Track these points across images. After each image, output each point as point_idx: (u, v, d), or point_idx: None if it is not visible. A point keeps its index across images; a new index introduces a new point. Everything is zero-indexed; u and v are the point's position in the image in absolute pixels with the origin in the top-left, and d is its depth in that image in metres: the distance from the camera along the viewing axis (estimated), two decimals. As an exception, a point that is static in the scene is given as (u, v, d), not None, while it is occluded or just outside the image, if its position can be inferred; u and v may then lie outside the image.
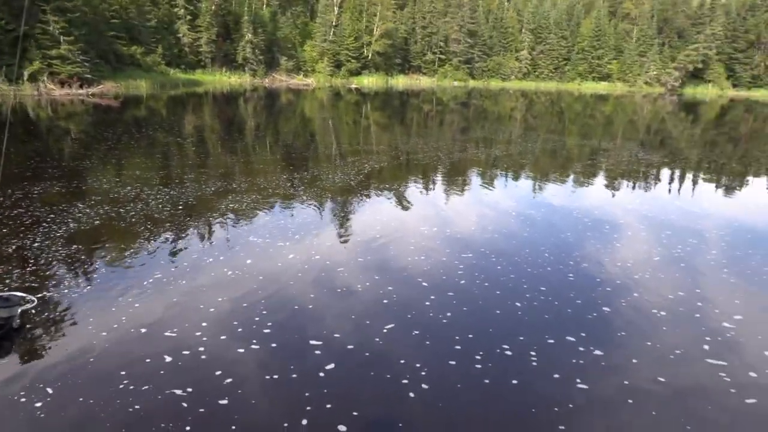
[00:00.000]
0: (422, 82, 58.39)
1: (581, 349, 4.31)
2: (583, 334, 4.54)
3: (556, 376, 3.93)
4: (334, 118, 24.28)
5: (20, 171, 10.30)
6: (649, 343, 4.45)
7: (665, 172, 12.89)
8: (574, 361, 4.14)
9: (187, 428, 3.27)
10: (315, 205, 8.56)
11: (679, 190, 11.04)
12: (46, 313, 4.64)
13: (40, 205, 8.01)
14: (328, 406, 3.50)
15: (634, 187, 11.01)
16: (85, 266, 5.77)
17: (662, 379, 3.93)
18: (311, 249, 6.48)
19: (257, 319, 4.65)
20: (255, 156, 13.35)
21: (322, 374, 3.86)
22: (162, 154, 13.04)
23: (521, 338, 4.45)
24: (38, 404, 3.45)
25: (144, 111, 23.87)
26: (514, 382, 3.84)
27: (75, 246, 6.30)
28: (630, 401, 3.66)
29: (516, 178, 11.61)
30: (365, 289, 5.35)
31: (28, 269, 5.57)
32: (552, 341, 4.42)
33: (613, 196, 10.17)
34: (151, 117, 21.50)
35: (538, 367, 4.04)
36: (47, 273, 5.51)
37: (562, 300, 5.23)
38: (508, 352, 4.22)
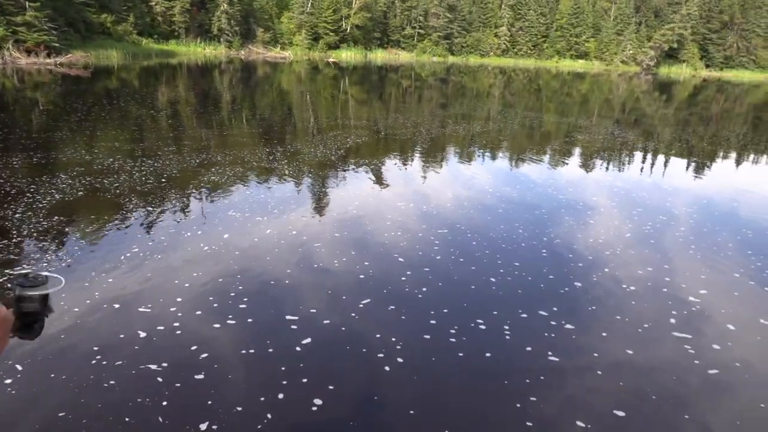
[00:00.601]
0: (401, 57, 57.88)
1: (553, 323, 4.42)
2: (555, 309, 4.64)
3: (528, 349, 4.03)
4: (312, 93, 23.97)
5: None
6: (618, 317, 4.58)
7: (638, 151, 13.10)
8: (546, 334, 4.24)
9: (164, 403, 3.26)
10: (293, 180, 8.49)
11: (651, 168, 11.24)
12: (15, 289, 4.54)
13: (21, 175, 7.86)
14: (304, 380, 3.53)
15: (608, 165, 11.18)
16: (64, 239, 5.68)
17: (630, 352, 4.06)
18: (288, 224, 6.46)
19: (233, 294, 4.63)
20: (233, 130, 13.14)
21: (298, 349, 3.88)
22: (138, 127, 12.73)
23: (495, 313, 4.53)
24: (8, 381, 3.41)
25: (115, 82, 23.22)
26: (488, 355, 3.92)
27: (56, 217, 6.21)
28: (599, 372, 3.78)
29: (493, 154, 11.67)
30: (341, 265, 5.37)
31: (12, 240, 5.48)
32: (525, 315, 4.51)
33: (588, 173, 10.32)
34: (122, 88, 20.92)
35: (511, 341, 4.13)
36: (25, 246, 5.41)
37: (535, 275, 5.32)
38: (482, 326, 4.30)
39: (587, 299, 4.89)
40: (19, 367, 3.54)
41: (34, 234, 5.72)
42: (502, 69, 51.19)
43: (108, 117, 13.74)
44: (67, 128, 11.82)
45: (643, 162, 11.82)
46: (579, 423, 3.25)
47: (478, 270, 5.39)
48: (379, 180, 8.93)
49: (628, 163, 11.55)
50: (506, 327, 4.31)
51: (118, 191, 7.40)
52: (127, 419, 3.12)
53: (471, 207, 7.53)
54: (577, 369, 3.83)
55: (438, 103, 22.69)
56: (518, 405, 3.39)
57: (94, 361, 3.63)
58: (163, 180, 8.06)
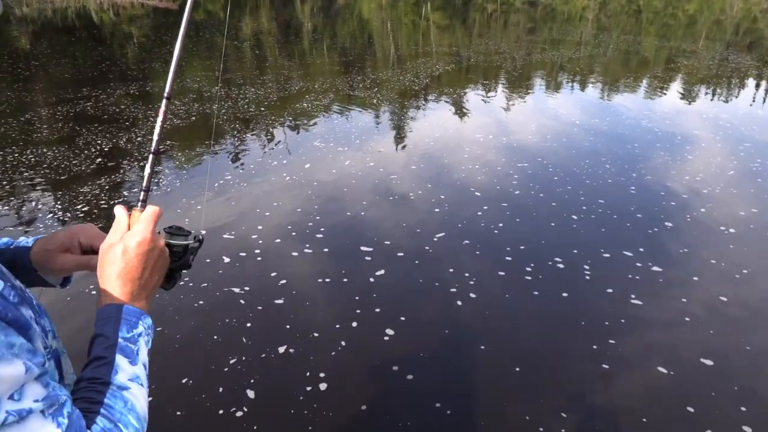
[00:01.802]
0: (487, -22, 54.30)
1: (638, 264, 4.18)
2: (642, 250, 4.38)
3: (610, 290, 3.85)
4: (394, 20, 23.25)
5: (100, 74, 10.68)
6: (713, 261, 4.25)
7: (751, 79, 11.73)
8: (629, 276, 4.03)
9: (248, 324, 3.45)
10: (375, 110, 8.46)
11: (765, 98, 10.06)
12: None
13: (141, 103, 8.55)
14: (377, 310, 3.60)
15: (713, 95, 10.12)
16: (169, 163, 6.18)
17: (724, 299, 3.78)
18: (367, 155, 6.46)
19: (310, 224, 4.74)
20: (317, 60, 13.12)
21: (372, 279, 3.94)
22: (232, 57, 13.06)
23: (575, 251, 4.34)
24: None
25: (201, 14, 23.63)
26: (565, 294, 3.80)
27: (169, 141, 6.78)
28: (687, 319, 3.56)
29: (583, 84, 10.90)
30: (417, 198, 5.33)
31: (135, 163, 6.05)
32: (607, 255, 4.30)
33: (690, 104, 9.41)
34: (209, 20, 21.30)
35: (590, 281, 3.97)
36: (133, 170, 5.88)
37: (621, 213, 5.02)
38: (561, 265, 4.15)
39: (679, 241, 4.57)
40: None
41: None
42: (598, -11, 46.86)
43: (195, 49, 14.11)
44: (162, 60, 12.30)
45: (756, 91, 10.58)
46: (661, 369, 3.11)
47: (558, 206, 5.16)
48: (460, 111, 8.64)
49: (738, 93, 10.39)
50: (586, 267, 4.14)
51: (225, 117, 7.90)
52: (215, 337, 3.34)
53: (554, 140, 7.14)
54: (662, 313, 3.63)
55: (525, 28, 21.30)
56: (595, 347, 3.29)
57: (181, 282, 3.88)
58: (263, 108, 8.41)
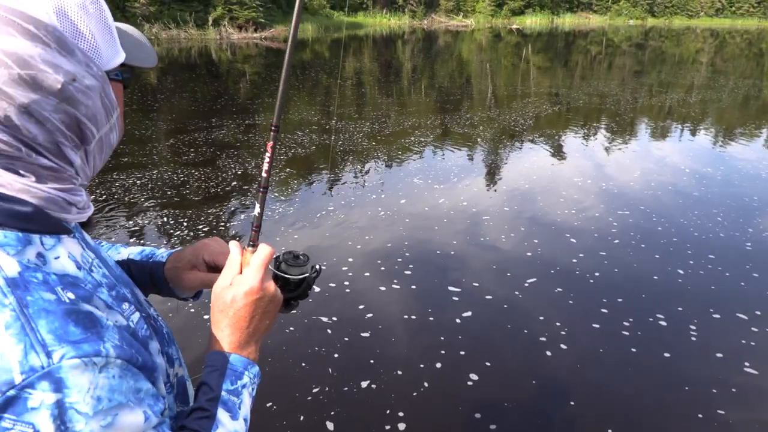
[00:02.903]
0: (592, 21, 53.36)
1: (754, 329, 3.80)
2: (758, 313, 3.98)
3: (719, 355, 3.53)
4: (493, 61, 23.38)
5: (221, 106, 11.76)
6: None
7: None
8: (743, 341, 3.67)
9: (335, 355, 3.52)
10: (473, 150, 8.57)
11: None
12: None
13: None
14: (462, 353, 3.54)
15: None
16: (286, 190, 6.67)
17: None
18: (460, 194, 6.48)
19: (400, 260, 4.80)
20: (414, 98, 13.47)
21: (458, 321, 3.90)
22: (342, 95, 13.86)
23: (680, 309, 4.04)
24: (206, 316, 3.96)
25: (309, 54, 25.14)
26: (667, 355, 3.53)
27: (289, 169, 7.38)
28: (811, 395, 3.18)
29: (694, 130, 10.27)
30: (509, 240, 5.23)
31: (254, 189, 6.49)
32: (717, 316, 3.95)
33: (820, 155, 8.55)
34: (315, 59, 22.61)
35: (697, 343, 3.66)
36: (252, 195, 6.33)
37: (734, 271, 4.61)
38: (663, 323, 3.87)
39: (804, 306, 4.11)
40: (207, 317, 4.10)
41: (272, 183, 6.70)
42: (713, 31, 44.41)
43: (302, 86, 15.02)
44: (274, 96, 13.22)
45: None
46: (777, 449, 2.79)
47: (662, 259, 4.84)
48: (558, 153, 8.45)
49: None
50: (692, 327, 3.83)
51: (341, 148, 8.48)
52: (303, 364, 3.42)
53: (659, 188, 6.75)
54: (781, 386, 3.26)
55: (631, 71, 20.56)
56: (700, 415, 3.01)
57: (276, 308, 4.05)
58: (374, 142, 8.86)
